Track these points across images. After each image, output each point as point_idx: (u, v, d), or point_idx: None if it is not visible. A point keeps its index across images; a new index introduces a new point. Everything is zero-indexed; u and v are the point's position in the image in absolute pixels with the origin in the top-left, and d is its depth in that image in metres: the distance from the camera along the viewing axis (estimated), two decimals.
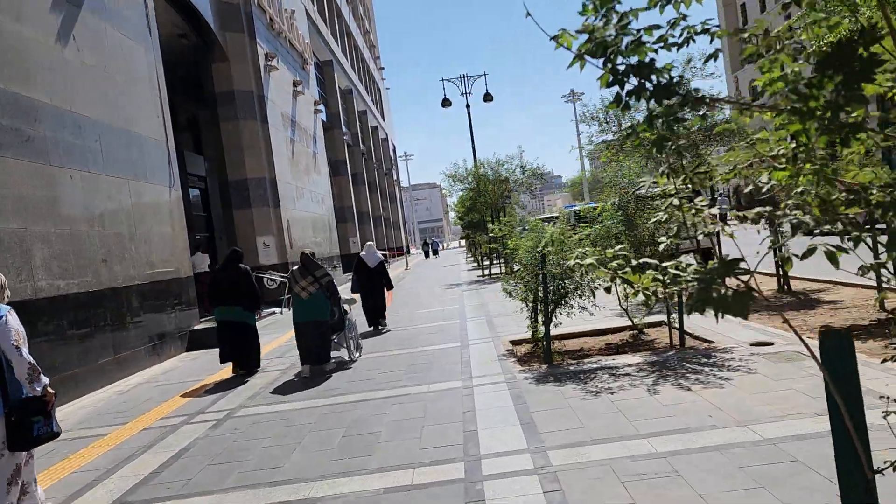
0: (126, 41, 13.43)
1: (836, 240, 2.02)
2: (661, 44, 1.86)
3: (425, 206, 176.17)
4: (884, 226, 1.95)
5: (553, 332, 8.76)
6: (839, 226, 2.03)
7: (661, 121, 1.94)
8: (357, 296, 13.70)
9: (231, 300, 10.67)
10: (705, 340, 8.67)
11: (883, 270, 3.03)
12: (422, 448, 5.74)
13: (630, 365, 7.78)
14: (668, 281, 2.06)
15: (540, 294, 8.91)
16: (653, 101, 1.90)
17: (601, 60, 1.87)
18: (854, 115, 1.72)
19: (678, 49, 1.89)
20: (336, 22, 44.06)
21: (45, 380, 4.68)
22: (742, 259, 2.00)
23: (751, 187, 2.33)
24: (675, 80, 1.81)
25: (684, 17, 1.96)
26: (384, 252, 22.56)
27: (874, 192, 1.91)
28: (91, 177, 11.37)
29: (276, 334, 14.93)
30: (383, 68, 74.61)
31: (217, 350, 10.98)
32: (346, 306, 10.85)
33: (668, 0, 1.96)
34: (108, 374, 11.04)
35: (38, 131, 10.07)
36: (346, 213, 38.59)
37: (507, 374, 8.12)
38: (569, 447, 5.24)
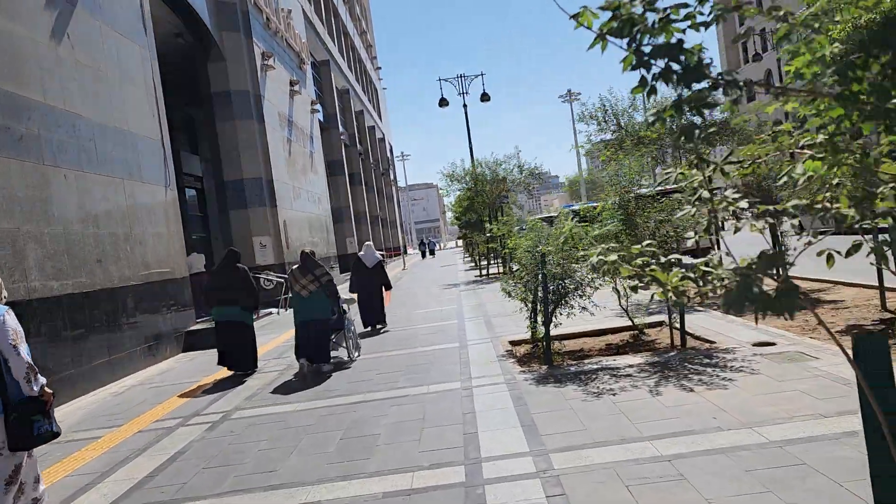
0: (121, 40, 13.31)
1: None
2: (689, 22, 1.74)
3: (422, 206, 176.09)
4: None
5: (553, 332, 8.67)
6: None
7: (689, 106, 1.83)
8: (355, 296, 13.64)
9: (229, 300, 10.57)
10: (706, 341, 8.58)
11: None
12: (421, 451, 5.65)
13: (631, 366, 7.68)
14: (699, 279, 1.95)
15: (540, 294, 8.82)
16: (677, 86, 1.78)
17: (625, 41, 1.76)
18: None
19: (706, 28, 1.77)
20: (333, 21, 43.93)
21: (43, 380, 4.63)
22: (786, 251, 1.90)
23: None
24: (705, 62, 1.70)
25: None
26: (381, 252, 22.43)
27: None
28: (85, 176, 11.25)
29: (274, 334, 14.83)
30: (380, 68, 74.49)
31: (214, 350, 10.88)
32: (344, 306, 10.81)
33: None
34: (102, 375, 10.93)
35: (31, 130, 9.96)
36: (343, 213, 38.46)
37: (507, 375, 8.03)
38: (571, 450, 5.15)
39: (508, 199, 29.77)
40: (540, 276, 8.61)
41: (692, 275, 2.02)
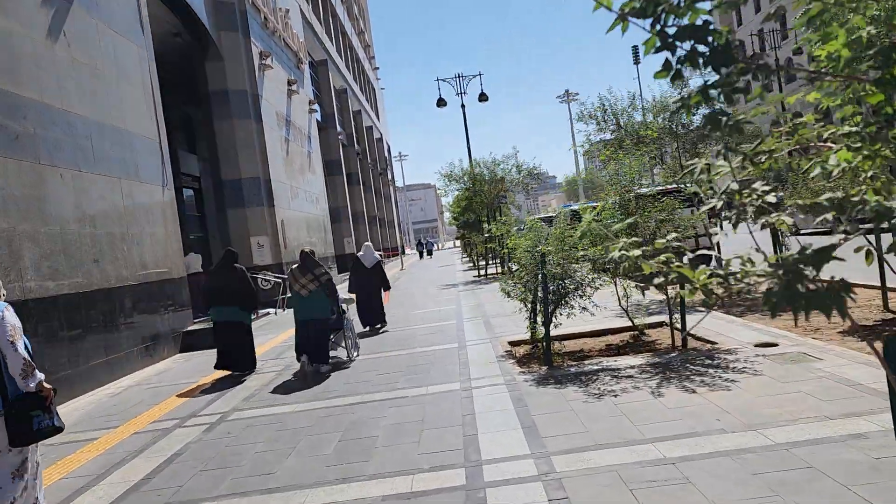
0: (118, 38, 13.23)
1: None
2: (715, 1, 1.66)
3: (420, 206, 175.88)
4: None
5: (552, 332, 8.60)
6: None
7: (717, 92, 1.74)
8: (354, 296, 13.59)
9: (227, 300, 10.52)
10: (708, 341, 8.51)
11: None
12: (421, 453, 5.57)
13: (632, 366, 7.61)
14: (729, 277, 1.87)
15: (539, 294, 8.74)
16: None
17: (647, 22, 1.68)
18: None
19: (733, 9, 1.69)
20: (331, 21, 43.85)
21: (40, 376, 4.63)
22: (837, 246, 1.82)
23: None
24: (733, 44, 1.61)
25: None
26: (379, 252, 22.39)
27: None
28: (82, 175, 11.17)
29: (272, 335, 14.75)
30: (378, 68, 74.41)
31: (211, 351, 10.81)
32: (343, 306, 10.79)
33: None
34: (99, 376, 10.84)
35: (27, 129, 9.87)
36: (340, 213, 38.36)
37: (507, 376, 7.95)
38: (573, 452, 5.07)
39: (507, 200, 29.70)
40: (540, 277, 8.55)
41: (721, 272, 1.93)
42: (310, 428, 6.84)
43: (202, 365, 11.85)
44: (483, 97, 37.02)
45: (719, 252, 14.40)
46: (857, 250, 2.20)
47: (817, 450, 4.50)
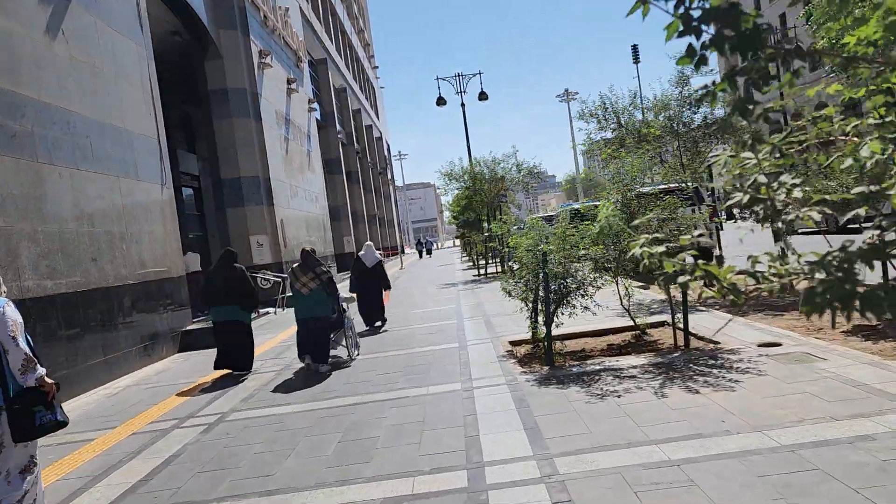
0: (117, 37, 13.16)
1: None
2: None
3: (419, 205, 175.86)
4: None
5: (553, 332, 8.53)
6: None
7: (747, 78, 1.66)
8: (355, 295, 13.57)
9: (226, 300, 10.47)
10: (710, 341, 8.45)
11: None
12: (422, 454, 5.51)
13: (635, 367, 7.55)
14: (758, 274, 1.79)
15: (541, 293, 8.68)
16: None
17: (671, 4, 1.60)
18: None
19: None
20: (330, 20, 43.78)
21: (41, 371, 4.62)
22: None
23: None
24: (762, 27, 1.53)
25: None
26: (379, 252, 22.26)
27: None
28: (80, 174, 11.10)
29: (271, 334, 14.69)
30: (377, 67, 74.32)
31: (210, 350, 10.74)
32: (344, 304, 10.78)
33: None
34: (97, 375, 10.77)
35: (25, 127, 9.80)
36: (340, 212, 38.30)
37: (508, 376, 7.89)
38: (576, 454, 5.01)
39: (507, 199, 29.62)
40: (541, 276, 8.48)
41: (750, 270, 1.85)
42: (309, 429, 6.77)
43: (201, 365, 11.79)
44: (483, 96, 36.94)
45: (720, 249, 14.32)
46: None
47: (824, 452, 4.43)
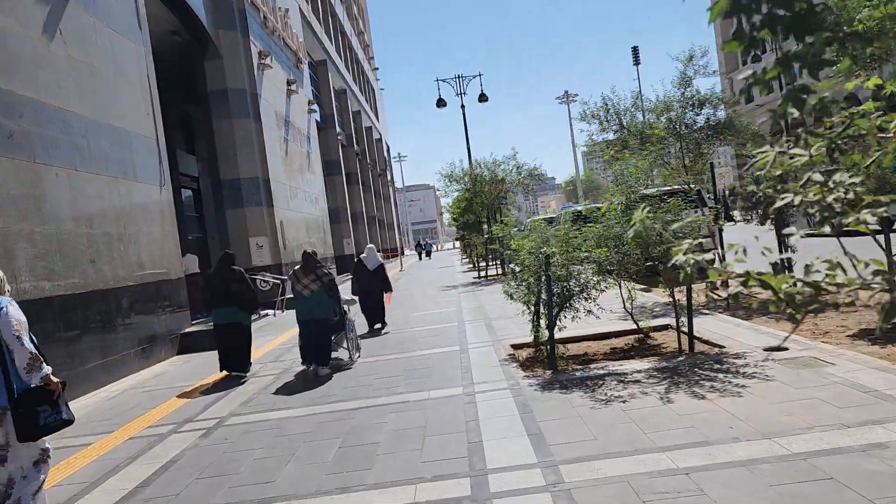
0: (115, 36, 13.06)
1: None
2: None
3: (419, 207, 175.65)
4: None
5: (556, 335, 8.43)
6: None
7: (801, 63, 1.53)
8: (356, 297, 13.51)
9: (226, 302, 10.44)
10: (715, 345, 8.35)
11: None
12: (423, 461, 5.40)
13: (639, 371, 7.45)
14: (817, 284, 1.67)
15: (543, 296, 8.58)
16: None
17: None
18: None
19: None
20: (330, 21, 43.70)
21: (47, 369, 4.62)
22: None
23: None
24: (818, 7, 1.40)
25: None
26: (380, 254, 22.12)
27: None
28: (78, 174, 11.00)
29: (270, 336, 14.58)
30: (377, 68, 74.23)
31: (209, 353, 10.67)
32: (345, 306, 10.76)
33: None
34: (95, 378, 10.67)
35: (22, 127, 9.71)
36: (339, 213, 38.20)
37: (511, 381, 7.79)
38: (581, 461, 4.91)
39: (507, 200, 29.52)
40: (543, 279, 8.38)
41: (807, 279, 1.72)
42: (309, 434, 6.67)
43: (200, 367, 11.70)
44: (483, 98, 36.87)
45: (723, 252, 14.19)
46: None
47: (836, 460, 4.33)
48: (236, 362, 10.43)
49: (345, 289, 12.78)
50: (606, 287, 8.89)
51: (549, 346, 8.28)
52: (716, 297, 12.57)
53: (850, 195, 1.67)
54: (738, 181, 57.96)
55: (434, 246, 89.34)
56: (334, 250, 33.53)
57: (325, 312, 10.09)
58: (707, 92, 14.58)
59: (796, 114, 1.59)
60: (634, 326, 9.65)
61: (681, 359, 7.79)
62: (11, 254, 9.12)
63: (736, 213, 49.88)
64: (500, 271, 25.73)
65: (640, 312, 10.14)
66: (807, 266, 1.79)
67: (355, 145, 48.05)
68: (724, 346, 8.15)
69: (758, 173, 1.93)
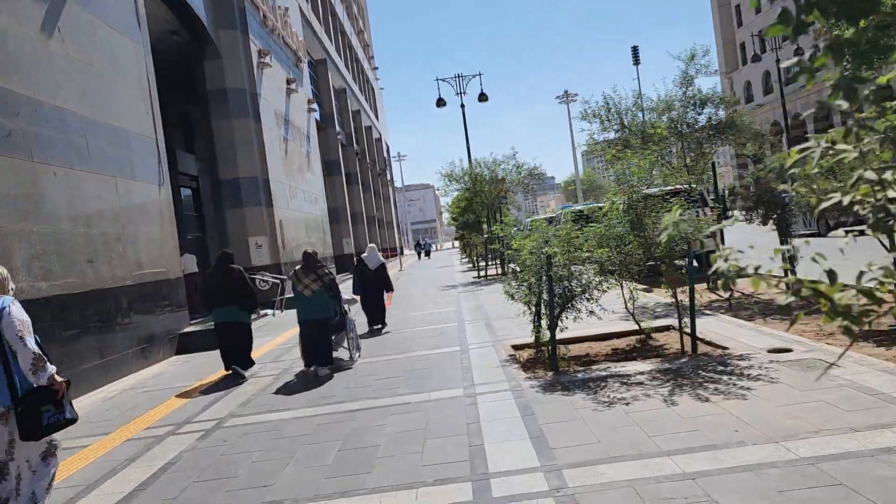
0: (114, 35, 12.98)
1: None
2: None
3: (419, 206, 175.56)
4: None
5: (557, 336, 8.34)
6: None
7: (855, 49, 1.43)
8: (358, 297, 13.47)
9: (227, 301, 10.42)
10: (718, 346, 8.27)
11: None
12: (424, 464, 5.32)
13: (642, 373, 7.36)
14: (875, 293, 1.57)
15: (545, 297, 8.49)
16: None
17: None
18: None
19: None
20: (330, 21, 43.61)
21: (51, 369, 4.60)
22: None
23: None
24: None
25: None
26: (380, 253, 22.00)
27: None
28: (75, 174, 10.92)
29: (269, 337, 14.50)
30: (377, 68, 74.16)
31: (208, 353, 10.63)
32: (346, 306, 10.73)
33: None
34: (93, 379, 10.59)
35: (19, 125, 9.63)
36: (339, 213, 38.13)
37: (512, 382, 7.71)
38: (585, 465, 4.82)
39: (507, 200, 29.43)
40: (545, 279, 8.29)
41: (873, 291, 1.62)
42: (308, 436, 6.59)
43: (198, 367, 11.63)
44: (483, 97, 36.79)
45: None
46: None
47: (846, 465, 4.25)
48: (237, 360, 10.43)
49: (345, 288, 12.71)
50: (609, 287, 8.81)
51: (550, 347, 8.20)
52: (718, 296, 12.51)
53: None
54: (738, 181, 57.80)
55: (433, 245, 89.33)
56: (334, 250, 33.45)
57: (326, 312, 10.06)
58: (709, 91, 14.51)
59: (845, 106, 1.50)
60: (636, 327, 9.57)
61: (684, 360, 7.71)
62: (8, 254, 9.04)
63: (736, 213, 49.84)
64: (499, 271, 25.66)
65: (642, 313, 10.06)
66: (861, 272, 1.69)
67: (355, 145, 47.98)
68: (727, 348, 8.06)
69: (792, 171, 1.84)
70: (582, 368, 8.00)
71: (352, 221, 41.70)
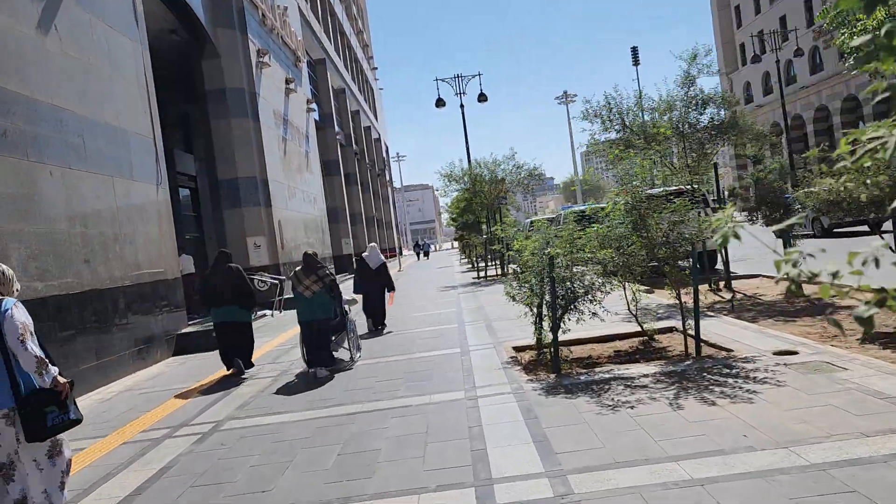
0: (112, 33, 12.87)
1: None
2: None
3: (417, 207, 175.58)
4: None
5: (559, 338, 8.24)
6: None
7: None
8: (359, 297, 13.39)
9: (226, 300, 10.39)
10: (723, 348, 8.17)
11: None
12: (426, 469, 5.22)
13: (646, 375, 7.26)
14: None
15: (547, 298, 8.39)
16: None
17: None
18: None
19: None
20: (329, 20, 43.52)
21: (54, 371, 4.57)
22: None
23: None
24: None
25: None
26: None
27: None
28: (72, 173, 10.81)
29: (268, 337, 14.39)
30: (376, 68, 74.05)
31: (206, 354, 10.56)
32: (346, 306, 10.69)
33: None
34: (90, 380, 10.47)
35: (15, 124, 9.52)
36: (338, 213, 38.04)
37: (514, 384, 7.60)
38: (591, 471, 4.72)
39: (507, 201, 29.33)
40: (547, 280, 8.19)
41: None
42: (308, 440, 6.48)
43: (196, 369, 11.52)
44: (482, 98, 36.72)
45: (725, 253, 14.04)
46: None
47: (858, 471, 4.14)
48: (238, 357, 10.42)
49: (346, 288, 12.62)
50: (612, 289, 8.71)
51: (552, 349, 8.10)
52: (720, 298, 12.42)
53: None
54: (738, 181, 57.75)
55: (432, 246, 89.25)
56: (333, 250, 33.35)
57: (327, 313, 10.00)
58: (711, 91, 14.41)
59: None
60: (638, 329, 9.47)
61: (688, 363, 7.60)
62: (4, 254, 8.92)
63: (735, 214, 49.70)
64: (499, 272, 25.57)
65: (644, 314, 9.96)
66: None
67: (354, 145, 47.90)
68: (731, 350, 7.96)
69: (841, 164, 1.73)
70: (584, 371, 7.90)
71: (351, 222, 41.60)
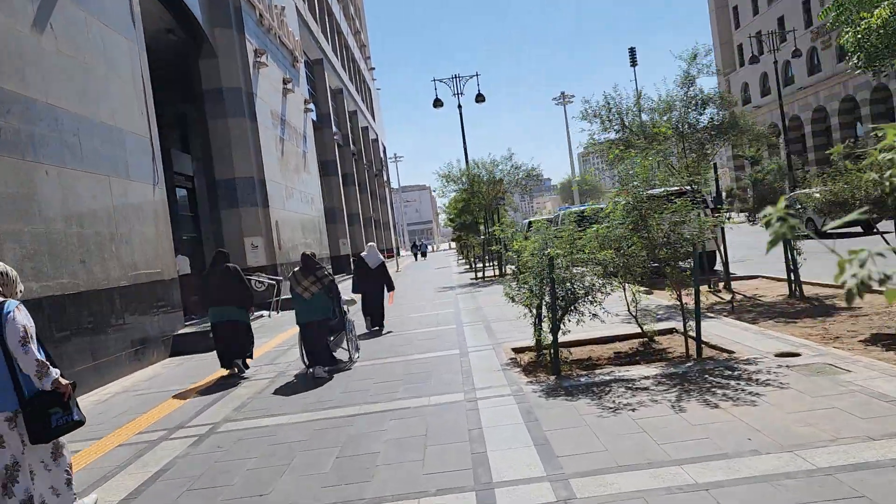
0: (108, 32, 12.79)
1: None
2: None
3: (415, 207, 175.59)
4: None
5: (559, 339, 8.17)
6: None
7: None
8: (358, 296, 13.32)
9: (224, 300, 10.37)
10: (724, 350, 8.10)
11: None
12: (426, 473, 5.14)
13: (647, 377, 7.19)
14: None
15: (547, 299, 8.32)
16: None
17: None
18: None
19: None
20: (327, 20, 43.44)
21: (55, 373, 4.56)
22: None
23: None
24: None
25: None
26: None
27: None
28: (68, 173, 10.73)
29: (265, 338, 14.30)
30: (374, 68, 73.96)
31: (203, 355, 10.49)
32: (345, 307, 10.63)
33: None
34: (86, 381, 10.37)
35: (11, 124, 9.43)
36: (335, 214, 37.98)
37: (514, 386, 7.53)
38: (593, 474, 4.65)
39: (505, 201, 29.26)
40: (547, 281, 8.12)
41: None
42: (305, 442, 6.41)
43: (193, 370, 11.44)
44: (480, 98, 36.64)
45: (725, 253, 13.99)
46: None
47: (866, 476, 4.08)
48: (238, 357, 10.40)
49: (344, 288, 12.55)
50: (612, 290, 8.65)
51: (552, 351, 8.03)
52: (720, 299, 12.36)
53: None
54: (735, 182, 57.76)
55: (429, 247, 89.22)
56: (330, 251, 33.26)
57: (325, 314, 9.95)
58: (710, 91, 14.35)
59: None
60: (638, 330, 9.41)
61: (689, 364, 7.53)
62: None
63: (733, 214, 49.70)
64: (497, 272, 25.50)
65: (644, 315, 9.90)
66: None
67: (351, 145, 47.84)
68: (733, 352, 7.89)
69: (885, 156, 1.66)
70: (585, 372, 7.83)
71: (348, 222, 41.53)
